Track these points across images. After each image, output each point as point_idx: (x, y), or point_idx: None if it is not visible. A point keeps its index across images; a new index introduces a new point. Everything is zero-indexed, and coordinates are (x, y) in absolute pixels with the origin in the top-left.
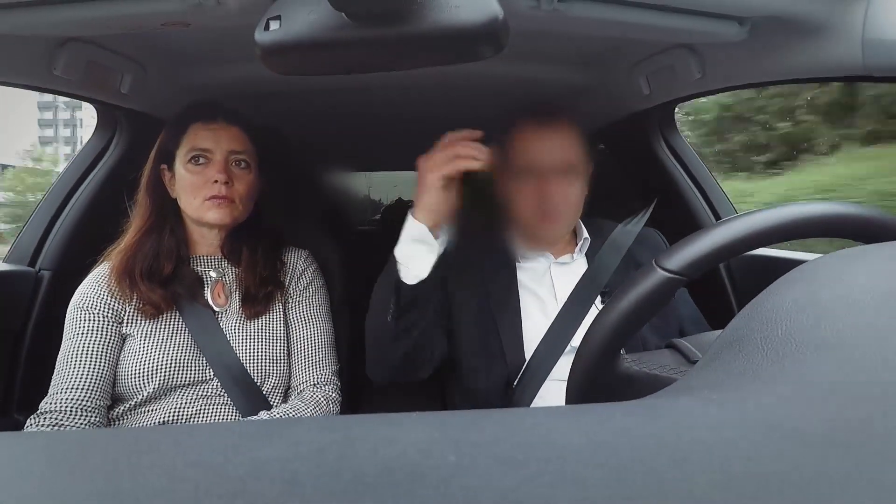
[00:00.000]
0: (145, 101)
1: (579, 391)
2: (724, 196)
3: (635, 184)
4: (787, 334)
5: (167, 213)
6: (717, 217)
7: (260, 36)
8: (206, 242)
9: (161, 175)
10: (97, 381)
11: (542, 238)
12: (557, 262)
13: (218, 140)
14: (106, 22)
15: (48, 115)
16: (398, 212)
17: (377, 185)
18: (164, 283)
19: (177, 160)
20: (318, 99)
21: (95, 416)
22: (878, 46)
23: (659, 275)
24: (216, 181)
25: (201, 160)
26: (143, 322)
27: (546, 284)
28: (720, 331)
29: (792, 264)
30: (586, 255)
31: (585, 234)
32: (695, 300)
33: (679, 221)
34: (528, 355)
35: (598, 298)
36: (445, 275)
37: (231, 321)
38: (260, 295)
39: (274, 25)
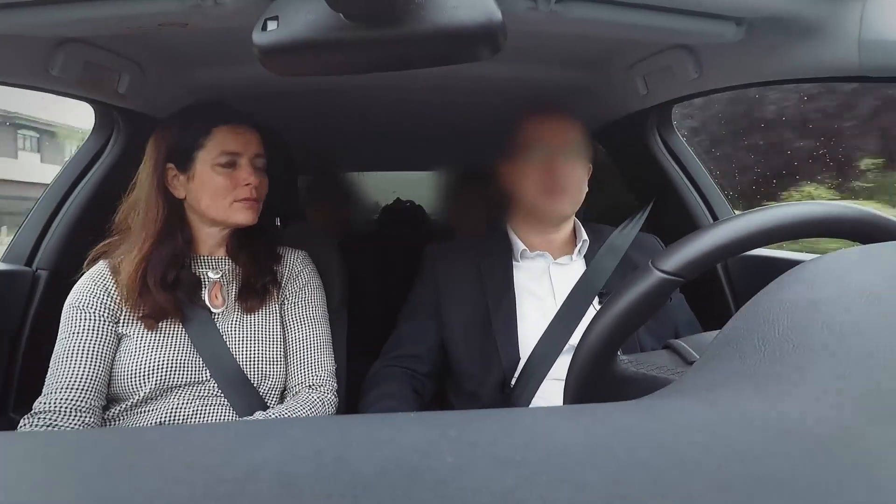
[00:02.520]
0: (143, 101)
1: (576, 392)
2: (720, 196)
3: (633, 184)
4: (784, 335)
5: (178, 214)
6: (715, 217)
7: (258, 36)
8: (210, 242)
9: (166, 175)
10: (92, 382)
11: (549, 217)
12: (556, 262)
13: (245, 143)
14: (103, 22)
15: None
16: (396, 212)
17: (375, 186)
18: (171, 288)
19: (198, 162)
20: (316, 99)
21: (90, 417)
22: (875, 47)
23: (655, 275)
24: (248, 184)
25: (231, 163)
26: (139, 322)
27: (545, 285)
28: (717, 331)
29: (789, 264)
30: (585, 257)
31: (585, 235)
32: (692, 301)
33: (676, 222)
34: (523, 355)
35: (596, 299)
36: (437, 288)
37: (228, 322)
38: (258, 285)
39: (272, 26)
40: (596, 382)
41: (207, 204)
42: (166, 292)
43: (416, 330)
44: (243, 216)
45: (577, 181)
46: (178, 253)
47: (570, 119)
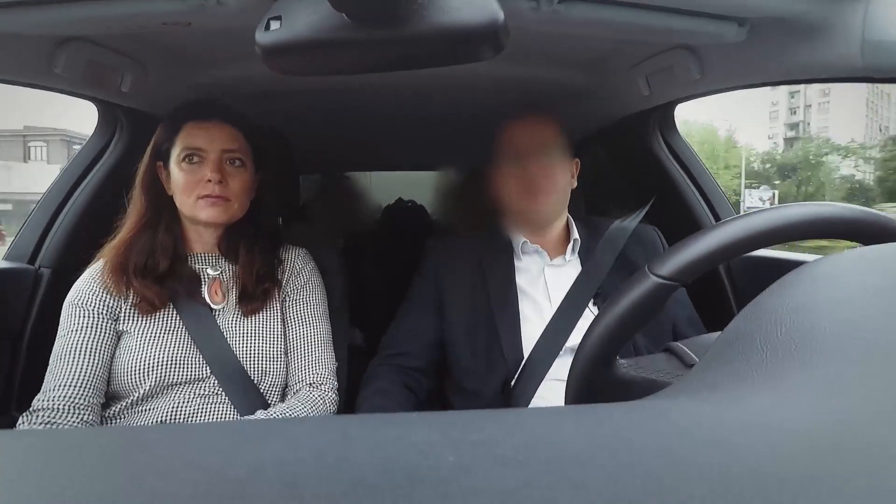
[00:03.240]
0: (146, 99)
1: (576, 396)
2: (722, 196)
3: (635, 184)
4: (787, 335)
5: (163, 209)
6: (717, 218)
7: (261, 36)
8: (202, 240)
9: (158, 172)
10: (91, 379)
11: (532, 218)
12: (551, 264)
13: (211, 139)
14: (107, 21)
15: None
16: (398, 212)
17: (377, 186)
18: (159, 280)
19: (171, 159)
20: (319, 98)
21: (89, 414)
22: (878, 47)
23: (652, 281)
24: (209, 180)
25: (195, 159)
26: (139, 319)
27: (540, 287)
28: (717, 333)
29: (791, 265)
30: (581, 256)
31: (576, 234)
32: (694, 301)
33: (678, 222)
34: (525, 355)
35: (591, 301)
36: (438, 284)
37: (228, 319)
38: (257, 291)
39: (275, 25)
40: (595, 387)
41: (179, 200)
42: (149, 282)
43: (411, 326)
44: (206, 213)
45: (554, 181)
46: (158, 246)
47: (544, 120)
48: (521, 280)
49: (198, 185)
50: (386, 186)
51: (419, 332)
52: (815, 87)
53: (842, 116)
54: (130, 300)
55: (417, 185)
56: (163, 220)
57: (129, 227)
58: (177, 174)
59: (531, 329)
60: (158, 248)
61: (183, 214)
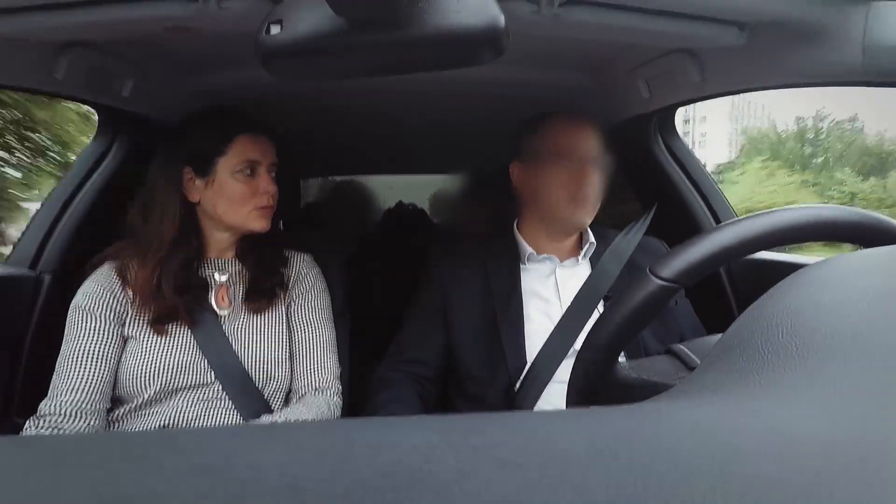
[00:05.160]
0: (147, 104)
1: (578, 399)
2: (723, 200)
3: (636, 188)
4: (788, 338)
5: (193, 218)
6: (717, 220)
7: (261, 40)
8: (220, 245)
9: (182, 178)
10: (98, 384)
11: (568, 226)
12: (562, 265)
13: (265, 152)
14: (107, 26)
15: None
16: (398, 215)
17: (377, 189)
18: (181, 292)
19: (219, 168)
20: (319, 103)
21: (95, 420)
22: (879, 51)
23: (653, 283)
24: (267, 192)
25: (251, 171)
26: (146, 324)
27: (550, 287)
28: (719, 335)
29: (793, 268)
30: (590, 260)
31: (591, 238)
32: (695, 304)
33: (679, 225)
34: (529, 359)
35: (601, 303)
36: (443, 291)
37: (234, 325)
38: (265, 286)
39: (275, 30)
40: (597, 389)
41: (224, 210)
42: (178, 296)
43: (420, 334)
44: (259, 224)
45: (600, 192)
46: (191, 257)
47: (596, 126)
48: (530, 280)
49: (254, 196)
50: (386, 191)
51: (427, 340)
52: (698, 129)
53: (714, 151)
54: (149, 316)
55: (416, 189)
56: (192, 231)
57: (164, 240)
58: (231, 184)
59: (537, 332)
60: (192, 260)
61: (219, 223)
